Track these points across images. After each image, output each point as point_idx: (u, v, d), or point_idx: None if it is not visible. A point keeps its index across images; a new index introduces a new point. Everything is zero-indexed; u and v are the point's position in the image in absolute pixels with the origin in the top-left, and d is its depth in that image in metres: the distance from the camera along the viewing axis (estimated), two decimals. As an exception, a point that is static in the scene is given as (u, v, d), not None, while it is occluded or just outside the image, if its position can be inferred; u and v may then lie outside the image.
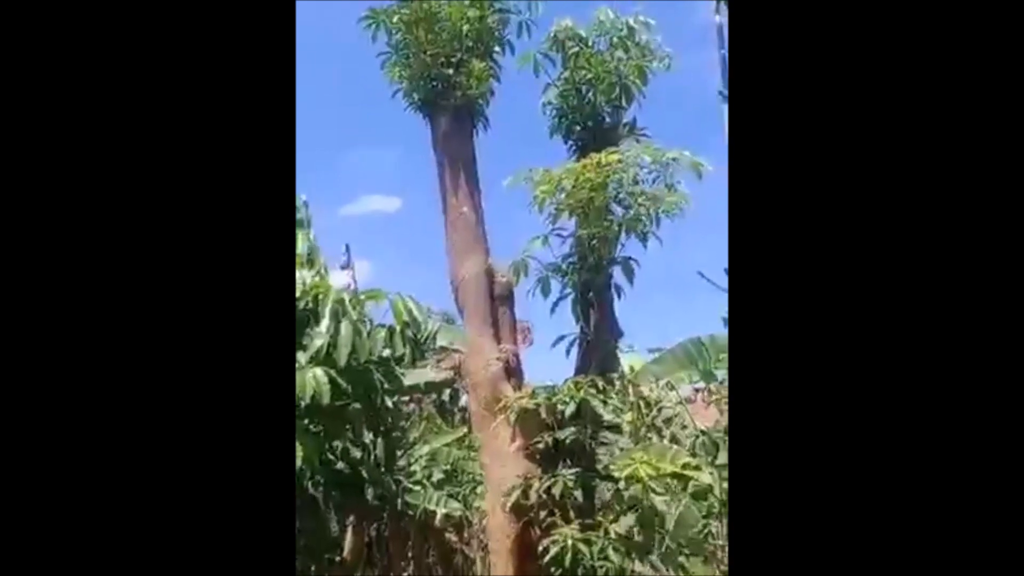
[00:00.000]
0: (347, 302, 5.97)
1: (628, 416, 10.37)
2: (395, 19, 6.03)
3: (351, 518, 6.51)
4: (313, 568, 5.69)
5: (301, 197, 7.62)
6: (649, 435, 10.07)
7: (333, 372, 5.62)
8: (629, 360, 10.72)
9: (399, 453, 9.34)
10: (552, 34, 6.02)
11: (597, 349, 5.53)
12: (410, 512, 9.00)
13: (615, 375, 5.50)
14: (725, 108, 6.52)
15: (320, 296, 5.99)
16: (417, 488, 9.02)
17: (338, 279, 9.08)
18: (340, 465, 6.28)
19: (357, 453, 6.34)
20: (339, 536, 5.94)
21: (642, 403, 10.27)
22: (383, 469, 9.07)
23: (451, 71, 6.06)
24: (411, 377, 8.46)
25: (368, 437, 6.94)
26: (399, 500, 9.00)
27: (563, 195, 5.42)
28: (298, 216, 7.40)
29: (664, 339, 9.58)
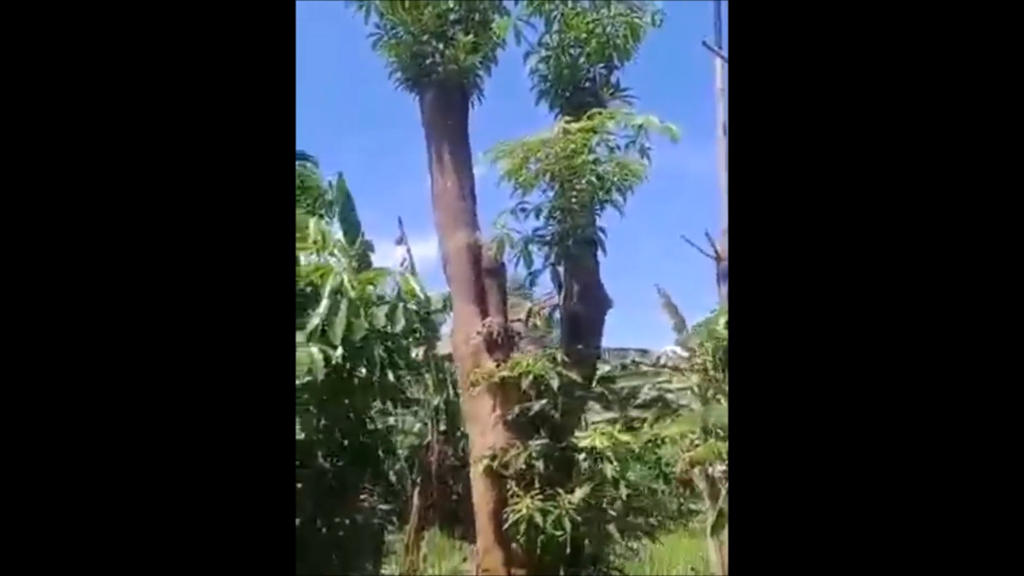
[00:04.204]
0: (346, 282, 6.23)
1: (695, 379, 10.10)
2: (380, -1, 6.10)
3: (370, 487, 6.81)
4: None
5: (328, 179, 7.95)
6: (718, 397, 9.72)
7: (330, 349, 5.90)
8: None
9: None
10: (528, -3, 5.86)
11: (572, 320, 5.43)
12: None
13: (584, 347, 5.37)
14: (716, 61, 6.11)
15: (322, 276, 6.28)
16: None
17: (394, 254, 9.38)
18: (361, 436, 6.59)
19: (370, 425, 6.61)
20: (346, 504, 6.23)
21: (709, 365, 9.93)
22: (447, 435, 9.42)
23: (439, 45, 6.07)
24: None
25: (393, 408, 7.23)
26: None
27: (538, 166, 5.33)
28: (326, 198, 7.75)
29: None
